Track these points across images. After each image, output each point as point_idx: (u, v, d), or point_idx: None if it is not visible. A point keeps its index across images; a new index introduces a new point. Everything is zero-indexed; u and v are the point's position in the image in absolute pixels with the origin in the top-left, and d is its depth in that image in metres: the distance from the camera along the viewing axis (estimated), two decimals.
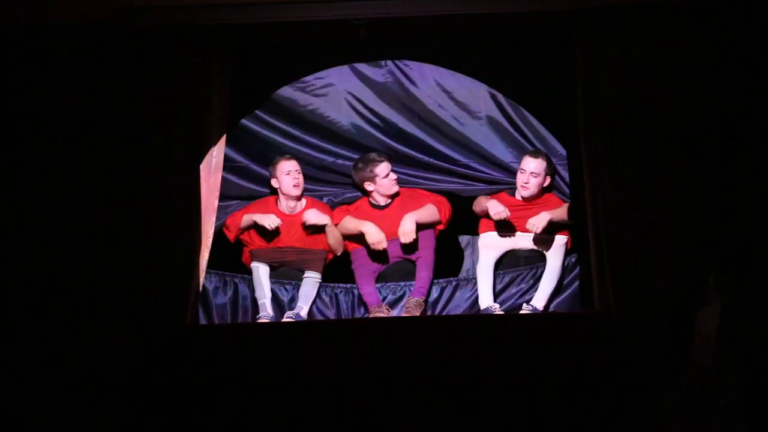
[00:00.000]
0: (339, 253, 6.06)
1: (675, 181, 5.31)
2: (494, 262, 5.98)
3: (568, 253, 5.97)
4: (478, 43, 5.97)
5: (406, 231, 5.86)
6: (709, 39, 5.32)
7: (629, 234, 5.32)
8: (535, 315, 5.75)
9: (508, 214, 5.86)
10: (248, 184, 6.17)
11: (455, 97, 6.08)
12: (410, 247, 5.95)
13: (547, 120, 6.05)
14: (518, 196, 6.01)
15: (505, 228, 5.96)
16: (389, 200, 6.07)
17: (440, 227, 6.04)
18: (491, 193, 6.05)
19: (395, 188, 6.05)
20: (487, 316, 5.75)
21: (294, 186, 6.01)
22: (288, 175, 6.00)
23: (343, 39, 5.79)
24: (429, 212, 5.98)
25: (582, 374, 5.24)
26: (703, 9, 5.32)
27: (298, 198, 6.06)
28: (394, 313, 5.91)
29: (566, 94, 5.66)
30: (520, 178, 5.95)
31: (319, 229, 6.00)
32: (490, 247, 6.00)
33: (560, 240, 5.93)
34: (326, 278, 6.09)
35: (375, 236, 5.90)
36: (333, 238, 6.01)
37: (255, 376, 5.29)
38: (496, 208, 5.85)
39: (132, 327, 5.29)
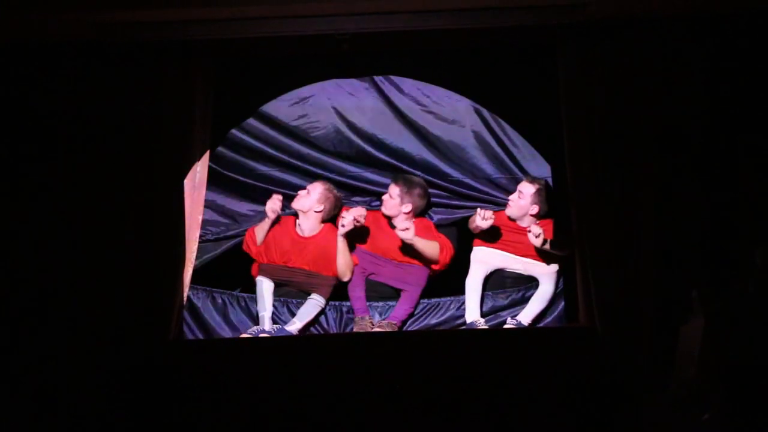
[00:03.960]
0: (346, 279, 5.98)
1: (659, 197, 5.32)
2: (484, 278, 5.97)
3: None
4: (462, 57, 5.99)
5: (406, 236, 5.84)
6: (692, 54, 5.34)
7: (614, 249, 5.32)
8: (519, 329, 5.75)
9: (493, 218, 5.82)
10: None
11: (439, 111, 6.09)
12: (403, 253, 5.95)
13: (531, 136, 6.06)
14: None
15: (498, 245, 5.97)
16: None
17: (436, 267, 6.00)
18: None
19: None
20: (472, 331, 5.75)
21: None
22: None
23: (326, 54, 5.82)
24: (430, 245, 5.95)
25: (567, 388, 5.24)
26: (686, 24, 5.33)
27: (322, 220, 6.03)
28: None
29: (551, 109, 5.66)
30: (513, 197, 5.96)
31: (331, 255, 5.95)
32: (481, 261, 6.00)
33: (553, 267, 5.94)
34: None
35: (357, 210, 5.88)
36: (343, 258, 5.94)
37: (238, 391, 5.28)
38: (484, 213, 5.79)
39: (115, 342, 5.28)
